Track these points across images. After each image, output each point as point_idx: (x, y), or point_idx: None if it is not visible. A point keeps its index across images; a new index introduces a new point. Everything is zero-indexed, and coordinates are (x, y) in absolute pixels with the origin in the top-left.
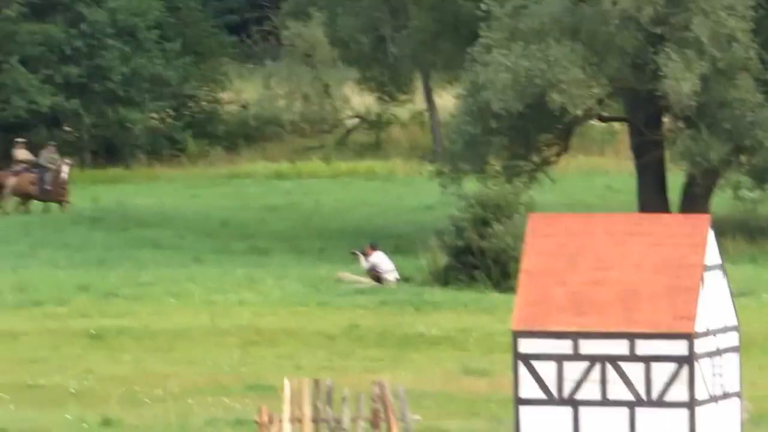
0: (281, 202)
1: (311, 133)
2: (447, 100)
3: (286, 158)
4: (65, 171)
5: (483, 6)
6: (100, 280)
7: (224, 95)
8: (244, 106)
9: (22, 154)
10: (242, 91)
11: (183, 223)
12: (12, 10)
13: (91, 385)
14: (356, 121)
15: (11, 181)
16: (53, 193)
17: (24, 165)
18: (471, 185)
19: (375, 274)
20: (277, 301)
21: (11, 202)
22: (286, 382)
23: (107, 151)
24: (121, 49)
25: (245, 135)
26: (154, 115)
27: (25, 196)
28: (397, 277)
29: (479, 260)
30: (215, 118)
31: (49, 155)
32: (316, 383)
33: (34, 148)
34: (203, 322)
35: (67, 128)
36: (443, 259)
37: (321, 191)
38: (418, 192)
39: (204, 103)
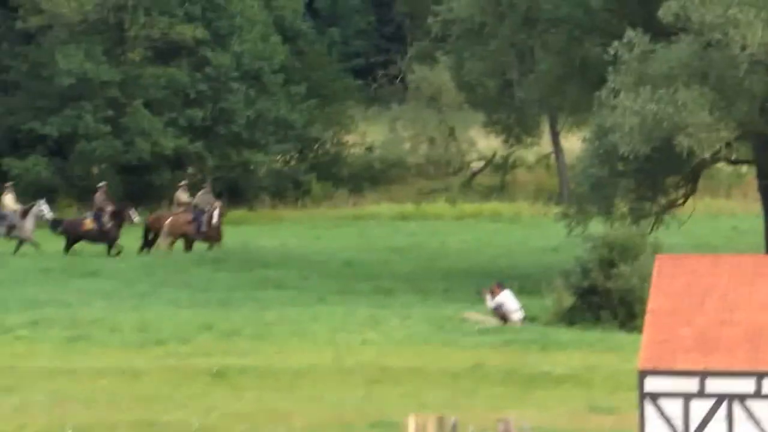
0: (405, 243)
1: (436, 175)
2: (573, 143)
3: (410, 200)
4: (217, 213)
5: (611, 50)
6: (223, 319)
7: (349, 138)
8: (369, 149)
9: (183, 196)
10: (367, 134)
11: (306, 264)
12: (136, 55)
13: (213, 422)
14: (482, 163)
15: (168, 221)
16: (207, 233)
17: (183, 207)
18: (597, 227)
19: (500, 314)
20: (402, 341)
21: (167, 242)
22: (411, 419)
23: (231, 192)
24: (246, 93)
25: (370, 177)
26: (278, 157)
27: (180, 237)
28: (522, 317)
29: (605, 300)
30: (340, 160)
31: (204, 196)
32: (441, 420)
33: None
34: (326, 361)
35: (190, 170)
36: (569, 300)
37: (446, 233)
38: (543, 233)
39: (328, 145)
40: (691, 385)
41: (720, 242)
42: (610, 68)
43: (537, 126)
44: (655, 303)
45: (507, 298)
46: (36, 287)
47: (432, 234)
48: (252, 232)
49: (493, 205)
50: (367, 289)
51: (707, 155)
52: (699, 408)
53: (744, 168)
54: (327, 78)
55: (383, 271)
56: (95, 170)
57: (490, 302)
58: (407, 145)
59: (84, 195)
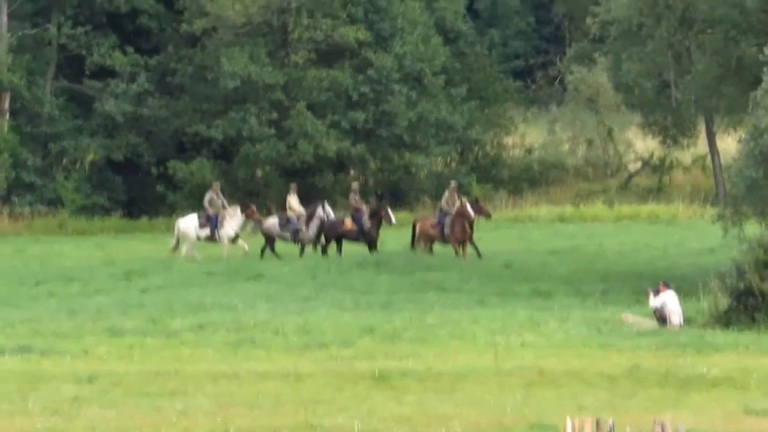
0: (564, 245)
1: (594, 177)
2: (730, 144)
3: (569, 202)
4: (470, 214)
5: (766, 51)
6: (385, 322)
7: (509, 140)
8: (528, 151)
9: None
10: (526, 136)
11: (467, 267)
12: (300, 57)
13: (375, 425)
14: (639, 165)
15: (419, 225)
16: (452, 235)
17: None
18: (753, 228)
19: (661, 314)
20: (560, 343)
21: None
22: (568, 421)
23: (393, 194)
24: (408, 95)
25: (529, 179)
26: (440, 159)
27: (429, 240)
28: (682, 320)
29: (761, 302)
30: (500, 162)
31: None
32: (598, 422)
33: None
34: (486, 364)
35: (353, 173)
36: (724, 301)
37: (604, 234)
38: (700, 235)
39: (488, 147)
40: None
41: None
42: (766, 69)
43: (693, 127)
44: None
45: (671, 299)
46: (201, 290)
47: (590, 236)
48: None
49: (650, 207)
50: (526, 292)
51: None
52: None
53: None
54: (487, 79)
55: (542, 274)
56: (259, 173)
57: (654, 301)
58: (566, 147)
59: (248, 198)
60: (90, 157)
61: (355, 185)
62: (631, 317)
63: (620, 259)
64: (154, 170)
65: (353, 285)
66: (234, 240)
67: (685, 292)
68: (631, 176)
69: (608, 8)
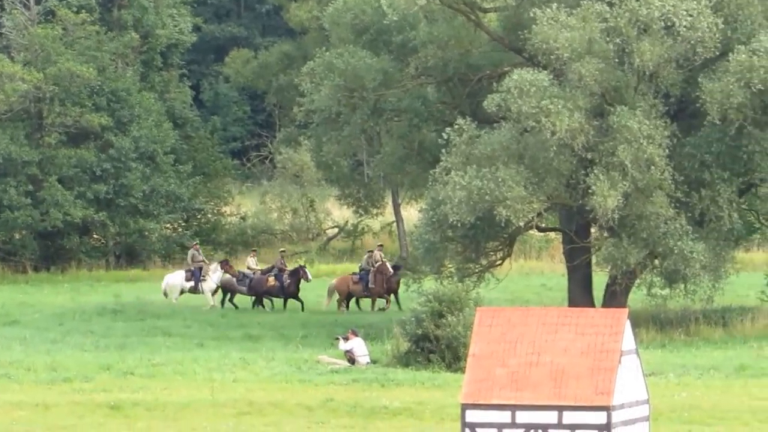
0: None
1: (298, 240)
2: (412, 213)
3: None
4: (388, 270)
5: (444, 135)
6: (120, 361)
7: (227, 209)
8: (242, 218)
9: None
10: (242, 206)
11: (189, 315)
12: (52, 138)
13: None
14: (336, 230)
15: (337, 283)
16: (374, 289)
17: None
18: (429, 284)
19: (350, 357)
20: (267, 379)
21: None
22: None
23: (128, 255)
24: (142, 171)
25: (243, 242)
26: (168, 225)
27: (346, 295)
28: (368, 361)
29: (435, 346)
30: (219, 227)
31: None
32: None
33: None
34: (204, 396)
35: (95, 236)
36: (405, 345)
37: (305, 288)
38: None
39: (210, 215)
40: (504, 416)
41: (531, 297)
42: (443, 150)
43: (382, 199)
44: (475, 348)
45: (358, 345)
46: None
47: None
48: (145, 288)
49: (345, 266)
50: (238, 336)
51: (522, 224)
52: None
53: (552, 234)
54: (209, 158)
55: (252, 321)
56: (17, 236)
57: (343, 346)
58: (275, 215)
59: (6, 258)
60: None
61: (283, 252)
62: (326, 358)
63: (319, 310)
64: None
65: (94, 329)
66: (214, 292)
67: (372, 337)
68: (329, 240)
69: (312, 99)
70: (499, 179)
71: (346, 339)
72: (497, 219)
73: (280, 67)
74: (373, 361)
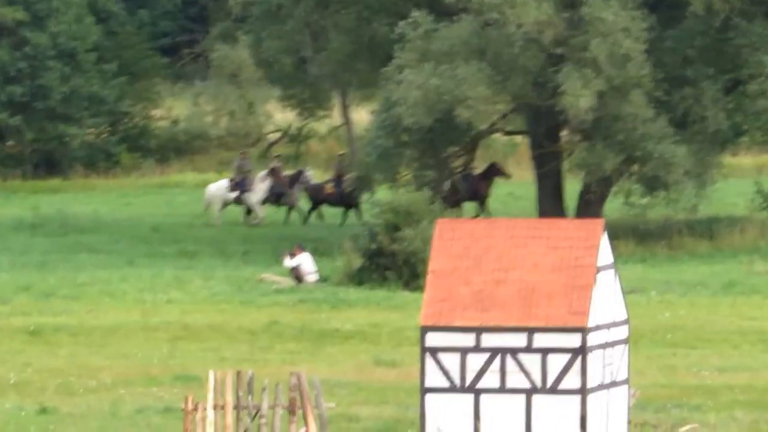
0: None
1: (236, 146)
2: (362, 116)
3: (213, 169)
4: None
5: (397, 29)
6: (40, 281)
7: (156, 112)
8: (174, 122)
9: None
10: (173, 109)
11: (117, 229)
12: None
13: (29, 377)
14: (278, 135)
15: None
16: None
17: None
18: (383, 193)
19: (297, 274)
20: (204, 300)
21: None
22: (211, 373)
23: (47, 163)
24: (62, 70)
25: (175, 148)
26: (92, 130)
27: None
28: (317, 279)
29: (390, 262)
30: (148, 133)
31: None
32: (238, 374)
33: None
34: (135, 319)
35: (10, 143)
36: (357, 261)
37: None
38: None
39: (138, 119)
40: (468, 340)
41: (497, 207)
42: (397, 46)
43: (329, 100)
44: (435, 264)
45: (305, 260)
46: None
47: None
48: (67, 199)
49: (288, 174)
50: (172, 253)
51: (484, 126)
52: (475, 361)
53: (518, 138)
54: (136, 56)
55: (188, 236)
56: None
57: (289, 263)
58: (209, 119)
59: None
60: None
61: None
62: (270, 276)
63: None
64: None
65: (10, 247)
66: (262, 203)
67: (321, 253)
68: (270, 145)
69: None
70: (459, 77)
71: (292, 255)
72: (457, 121)
73: None
74: (323, 279)
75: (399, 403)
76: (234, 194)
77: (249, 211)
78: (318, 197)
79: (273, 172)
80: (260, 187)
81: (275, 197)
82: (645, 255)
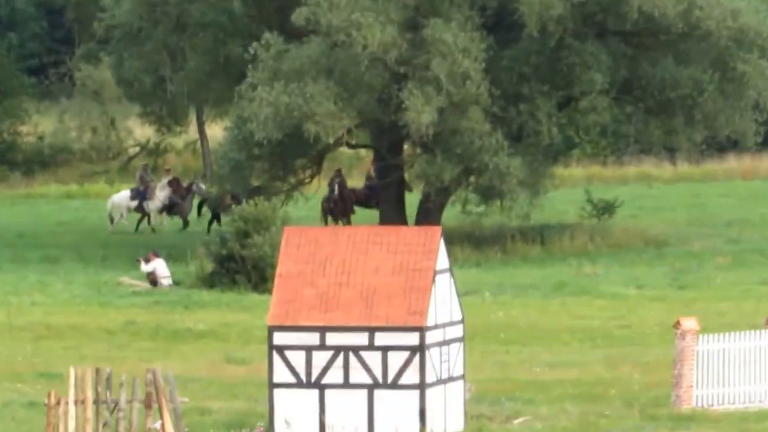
0: (71, 218)
1: (98, 160)
2: (217, 131)
3: (75, 181)
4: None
5: (250, 50)
6: None
7: (23, 128)
8: (40, 137)
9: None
10: (39, 125)
11: None
12: None
13: None
14: (137, 149)
15: None
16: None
17: None
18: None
19: (152, 279)
20: (65, 302)
21: None
22: (71, 370)
23: None
24: None
25: (40, 161)
26: None
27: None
28: (171, 282)
29: (240, 266)
30: (15, 147)
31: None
32: (98, 371)
33: None
34: (1, 320)
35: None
36: (209, 266)
37: (105, 209)
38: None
39: (5, 135)
40: (312, 338)
41: None
42: (250, 66)
43: (186, 116)
44: (283, 268)
45: (159, 265)
46: None
47: (93, 210)
48: None
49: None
50: (36, 258)
51: (331, 140)
52: (320, 358)
53: (363, 151)
54: (5, 76)
55: (51, 242)
56: None
57: (145, 268)
58: (74, 134)
59: None
60: None
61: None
62: (127, 280)
63: (119, 229)
64: None
65: None
66: (160, 212)
67: (175, 258)
68: (130, 159)
69: (112, 14)
70: (308, 95)
71: (147, 260)
72: (306, 135)
73: None
74: (176, 283)
75: (248, 397)
76: (134, 203)
77: (147, 218)
78: (218, 208)
79: (172, 183)
80: (159, 195)
81: (169, 207)
82: (480, 259)
